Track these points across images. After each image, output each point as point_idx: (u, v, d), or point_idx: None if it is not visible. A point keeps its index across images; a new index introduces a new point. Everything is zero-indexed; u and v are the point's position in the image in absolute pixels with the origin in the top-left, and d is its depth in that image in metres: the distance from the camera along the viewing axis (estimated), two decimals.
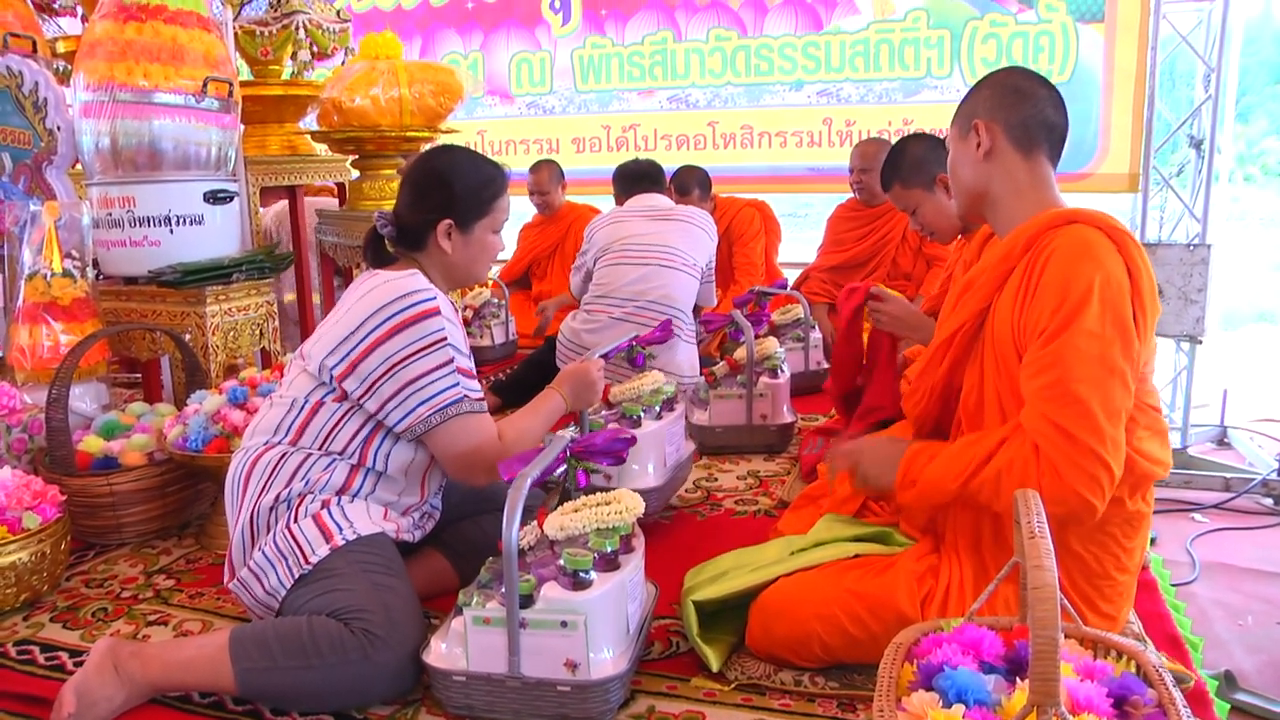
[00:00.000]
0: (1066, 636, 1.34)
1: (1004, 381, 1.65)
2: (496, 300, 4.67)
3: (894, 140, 5.17)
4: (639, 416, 2.34)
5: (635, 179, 3.88)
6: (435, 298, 1.88)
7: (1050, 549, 1.11)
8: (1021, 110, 1.75)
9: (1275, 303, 8.25)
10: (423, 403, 1.86)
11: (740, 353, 3.08)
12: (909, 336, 2.51)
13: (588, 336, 3.55)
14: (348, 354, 1.86)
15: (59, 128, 3.17)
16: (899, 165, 2.72)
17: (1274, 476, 3.48)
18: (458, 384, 1.89)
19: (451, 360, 1.88)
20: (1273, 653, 2.88)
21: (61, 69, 3.56)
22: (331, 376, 1.88)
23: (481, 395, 1.98)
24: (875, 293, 2.48)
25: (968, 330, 1.74)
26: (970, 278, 1.78)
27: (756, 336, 3.17)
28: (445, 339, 1.87)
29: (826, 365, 3.88)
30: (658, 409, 2.41)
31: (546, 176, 5.14)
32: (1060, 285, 1.56)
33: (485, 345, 4.51)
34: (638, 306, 3.52)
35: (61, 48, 3.53)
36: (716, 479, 2.84)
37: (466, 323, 4.51)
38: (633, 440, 1.88)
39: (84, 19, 3.55)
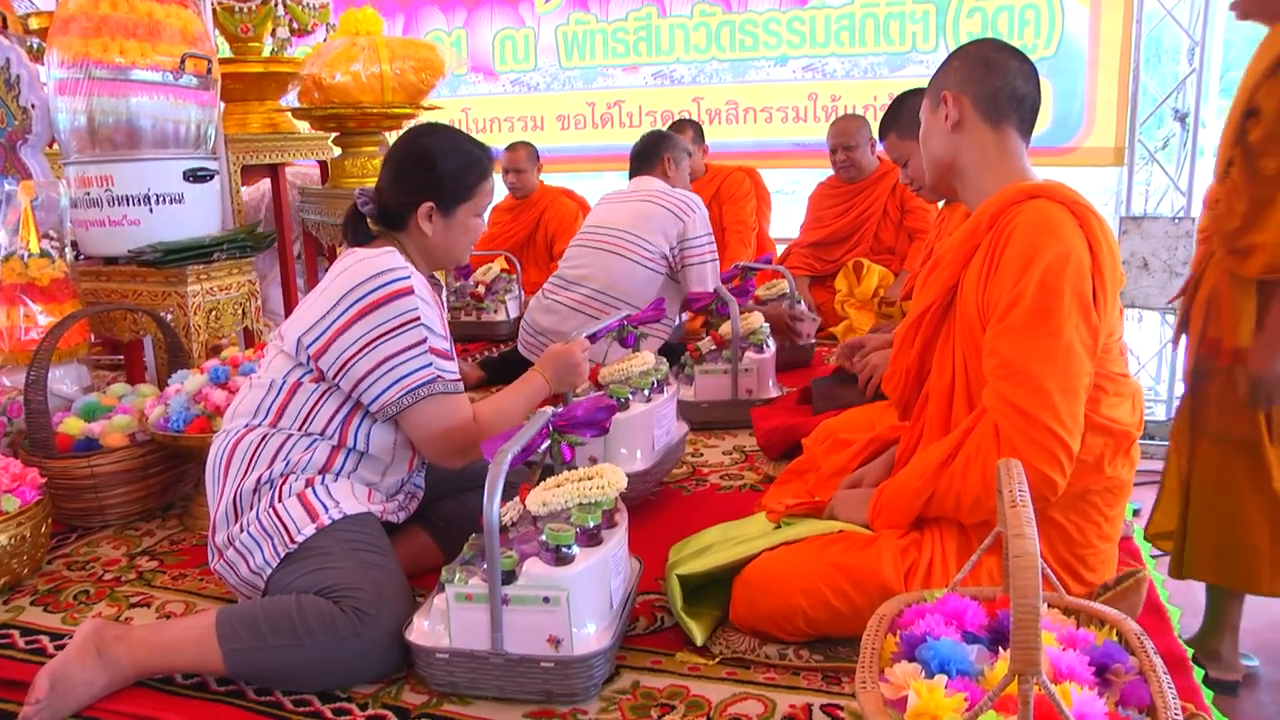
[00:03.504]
0: (1049, 606, 1.35)
1: (974, 359, 1.67)
2: (508, 275, 4.64)
3: (876, 116, 5.18)
4: (627, 399, 2.30)
5: (630, 164, 3.75)
6: (409, 276, 1.86)
7: (1032, 518, 1.10)
8: (990, 82, 1.75)
9: None
10: (394, 383, 1.84)
11: (725, 328, 3.07)
12: None
13: (544, 321, 3.51)
14: (323, 332, 1.84)
15: (33, 106, 3.13)
16: (898, 116, 2.83)
17: None
18: (430, 364, 1.86)
19: (424, 340, 1.85)
20: (1252, 619, 2.91)
21: (35, 46, 3.51)
22: (308, 356, 1.87)
23: (458, 376, 1.96)
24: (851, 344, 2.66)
25: (937, 309, 1.75)
26: (938, 255, 1.79)
27: (741, 311, 3.16)
28: (418, 318, 1.85)
29: (813, 340, 3.90)
30: (647, 391, 2.38)
31: (524, 155, 5.09)
32: (1020, 262, 1.57)
33: (499, 320, 4.50)
34: (586, 295, 3.45)
35: (34, 24, 3.48)
36: (702, 454, 2.83)
37: (478, 298, 4.49)
38: (615, 408, 1.86)
39: None
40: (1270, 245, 2.18)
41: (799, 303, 3.92)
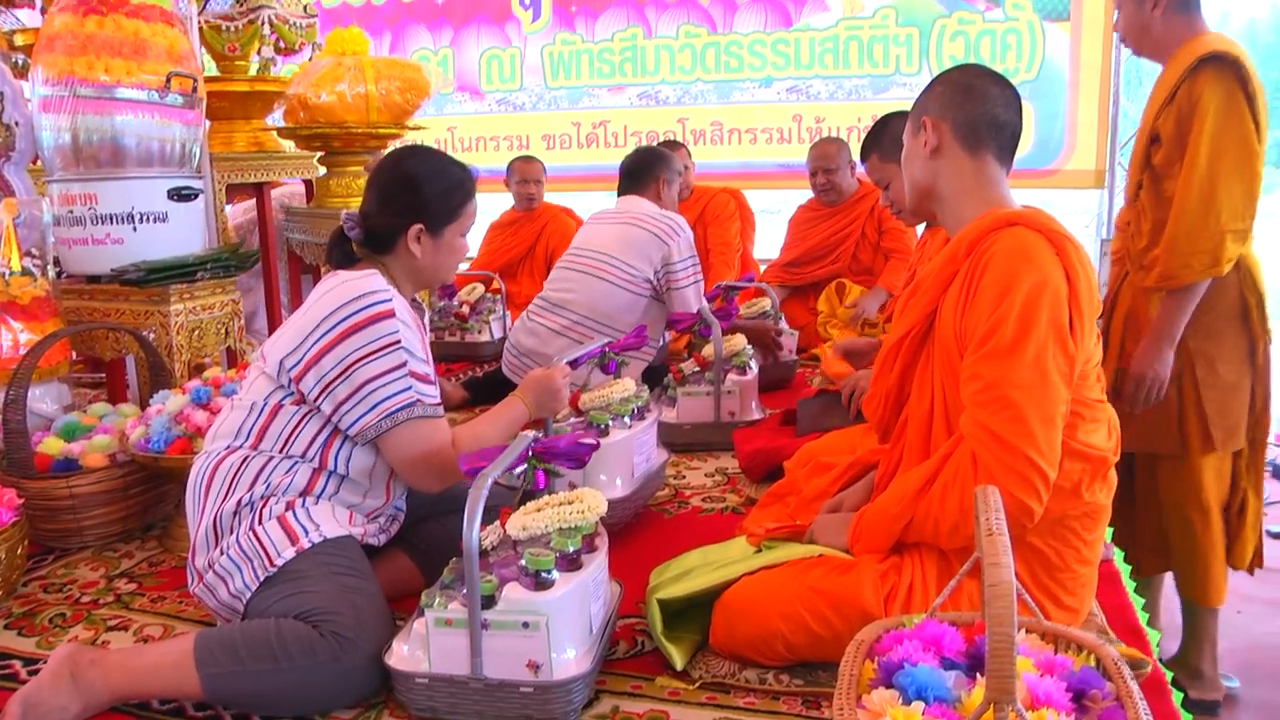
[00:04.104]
0: (1028, 631, 1.35)
1: (952, 385, 1.68)
2: (493, 296, 4.65)
3: (859, 138, 5.25)
4: (607, 425, 2.31)
5: (620, 180, 3.71)
6: (391, 299, 1.86)
7: (1008, 546, 1.11)
8: (969, 109, 1.76)
9: None
10: (374, 407, 1.84)
11: (708, 350, 3.08)
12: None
13: (528, 343, 3.49)
14: (304, 355, 1.84)
15: (17, 123, 3.12)
16: (880, 138, 2.83)
17: None
18: (410, 388, 1.87)
19: (404, 364, 1.86)
20: (1233, 640, 2.94)
21: (20, 62, 3.51)
22: (289, 378, 1.87)
23: (438, 401, 1.96)
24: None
25: (916, 334, 1.76)
26: (918, 281, 1.81)
27: (725, 333, 3.16)
28: (399, 342, 1.85)
29: (795, 356, 3.93)
30: (628, 418, 2.38)
31: (540, 168, 5.11)
32: (997, 290, 1.59)
33: (484, 341, 4.48)
34: (570, 319, 3.44)
35: (19, 40, 3.47)
36: (684, 476, 2.83)
37: (463, 318, 4.49)
38: (596, 445, 1.87)
39: (43, 11, 3.50)
40: (1163, 258, 2.39)
41: (780, 319, 3.95)
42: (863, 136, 4.89)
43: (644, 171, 3.63)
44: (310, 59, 3.77)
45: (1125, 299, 2.61)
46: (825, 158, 4.42)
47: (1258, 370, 2.52)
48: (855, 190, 4.49)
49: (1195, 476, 2.51)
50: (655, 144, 4.98)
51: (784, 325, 3.94)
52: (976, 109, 1.76)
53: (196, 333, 2.96)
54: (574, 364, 2.32)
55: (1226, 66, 2.33)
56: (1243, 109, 2.32)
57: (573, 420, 2.38)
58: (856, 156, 3.90)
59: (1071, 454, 1.63)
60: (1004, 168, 1.80)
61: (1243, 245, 2.37)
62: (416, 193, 1.98)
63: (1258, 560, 2.62)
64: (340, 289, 1.86)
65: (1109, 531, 2.15)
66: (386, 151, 2.96)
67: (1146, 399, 2.48)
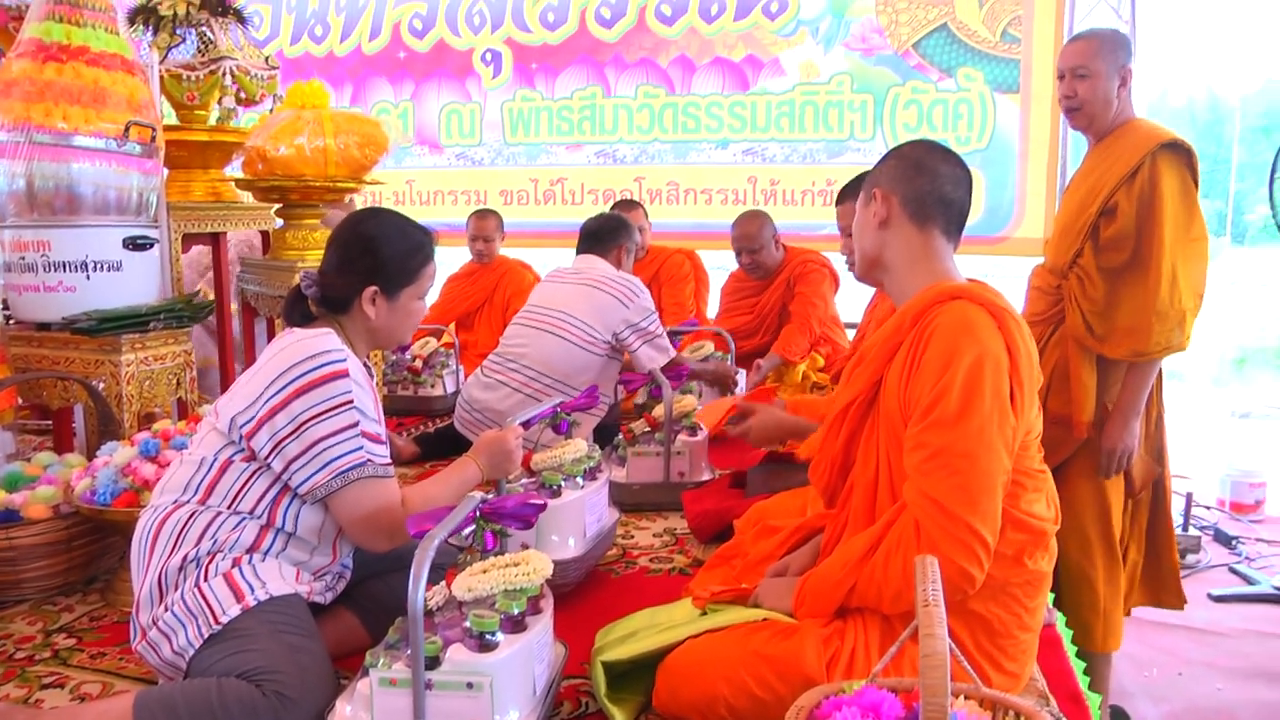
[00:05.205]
0: (966, 697, 1.37)
1: (896, 453, 1.72)
2: (446, 350, 4.65)
3: (813, 201, 5.40)
4: (559, 485, 2.32)
5: (581, 239, 3.76)
6: (345, 359, 1.88)
7: (943, 617, 1.14)
8: (918, 185, 1.82)
9: (1183, 363, 8.55)
10: (324, 465, 1.85)
11: (659, 410, 3.10)
12: (785, 439, 2.74)
13: (482, 397, 3.50)
14: (257, 412, 1.85)
15: None
16: (859, 189, 2.97)
17: (1178, 532, 3.59)
18: (361, 448, 1.88)
19: (356, 424, 1.87)
20: (1175, 702, 2.99)
21: None
22: (240, 435, 1.87)
23: (388, 460, 1.97)
24: (742, 408, 2.73)
25: (861, 402, 1.80)
26: (863, 350, 1.85)
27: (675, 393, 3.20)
28: (351, 401, 1.86)
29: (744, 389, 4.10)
30: (579, 478, 2.39)
31: (494, 224, 5.13)
32: (941, 361, 1.63)
33: (436, 395, 4.48)
34: (525, 377, 3.45)
35: None
36: (632, 536, 2.84)
37: (416, 372, 4.48)
38: (543, 506, 1.88)
39: (0, 56, 3.49)
40: (1131, 330, 2.60)
41: (726, 359, 4.13)
42: (816, 199, 5.01)
43: (609, 236, 3.68)
44: (271, 110, 3.78)
45: (1053, 355, 2.79)
46: (747, 239, 4.42)
47: (1149, 435, 2.79)
48: (780, 261, 4.52)
49: (1110, 517, 2.75)
50: (613, 203, 5.06)
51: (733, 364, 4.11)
52: (926, 185, 1.82)
53: (147, 383, 2.94)
54: (526, 424, 2.34)
55: (1181, 154, 2.60)
56: (1194, 195, 2.61)
57: (525, 480, 2.38)
58: (789, 222, 4.01)
59: (1014, 523, 1.67)
60: (951, 242, 1.85)
61: (1196, 317, 2.62)
62: (374, 254, 2.00)
63: (1176, 598, 2.88)
64: (295, 347, 1.87)
65: (1050, 597, 2.20)
66: (346, 208, 2.97)
67: (1118, 467, 2.71)
